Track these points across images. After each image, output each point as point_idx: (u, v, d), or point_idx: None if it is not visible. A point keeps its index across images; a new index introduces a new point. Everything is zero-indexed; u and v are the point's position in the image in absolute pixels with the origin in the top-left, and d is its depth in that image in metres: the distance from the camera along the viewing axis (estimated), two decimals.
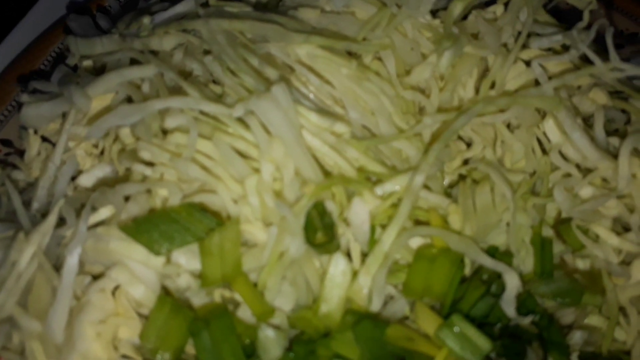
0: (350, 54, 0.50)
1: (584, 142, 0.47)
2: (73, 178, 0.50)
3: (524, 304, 0.46)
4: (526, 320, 0.46)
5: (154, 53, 0.51)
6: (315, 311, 0.44)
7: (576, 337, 0.48)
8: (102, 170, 0.50)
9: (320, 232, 0.42)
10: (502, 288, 0.44)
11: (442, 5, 0.53)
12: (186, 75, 0.50)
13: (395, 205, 0.45)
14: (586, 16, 0.50)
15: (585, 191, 0.47)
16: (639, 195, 0.46)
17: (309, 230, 0.42)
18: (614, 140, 0.50)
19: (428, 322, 0.42)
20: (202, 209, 0.43)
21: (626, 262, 0.48)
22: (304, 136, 0.44)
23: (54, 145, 0.53)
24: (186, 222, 0.43)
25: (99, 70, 0.53)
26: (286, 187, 0.43)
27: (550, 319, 0.46)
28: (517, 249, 0.47)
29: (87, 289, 0.43)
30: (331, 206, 0.44)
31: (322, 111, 0.45)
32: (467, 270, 0.46)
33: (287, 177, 0.43)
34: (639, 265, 0.48)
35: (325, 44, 0.47)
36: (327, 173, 0.45)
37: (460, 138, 0.51)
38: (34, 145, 0.52)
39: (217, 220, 0.43)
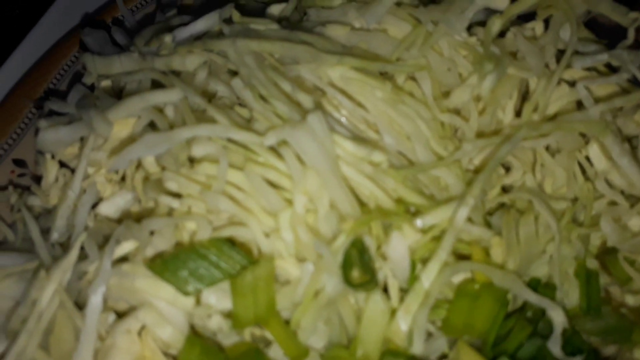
0: (382, 74, 0.47)
1: (632, 169, 0.44)
2: (93, 205, 0.48)
3: (570, 341, 0.43)
4: None
5: (176, 73, 0.49)
6: (353, 352, 0.42)
7: None
8: (123, 198, 0.47)
9: (358, 269, 0.40)
10: (550, 328, 0.42)
11: (476, 19, 0.51)
12: (210, 96, 0.48)
13: (436, 239, 0.43)
14: (631, 34, 0.48)
15: (635, 222, 0.44)
16: None
17: (346, 268, 0.40)
18: None
19: None
20: (232, 244, 0.41)
21: None
22: (340, 166, 0.41)
23: (72, 170, 0.50)
24: (216, 258, 0.40)
25: (118, 91, 0.51)
26: (321, 221, 0.40)
27: (596, 356, 0.44)
28: (561, 282, 0.44)
29: (112, 329, 0.41)
30: (369, 241, 0.41)
31: (358, 139, 0.43)
32: (510, 306, 0.44)
33: (322, 210, 0.40)
34: None
35: (360, 65, 0.45)
36: (362, 204, 0.42)
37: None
38: (51, 172, 0.50)
39: (248, 256, 0.41)
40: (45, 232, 0.48)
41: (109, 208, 0.47)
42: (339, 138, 0.41)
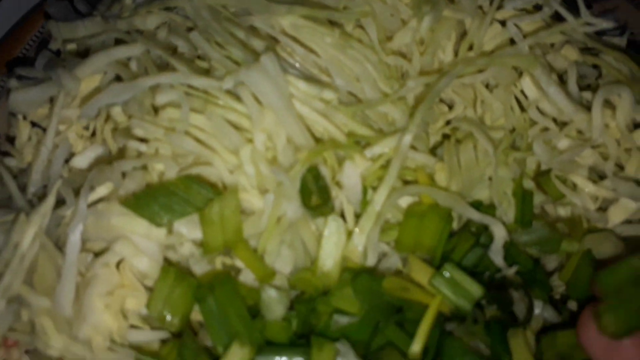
0: (332, 23, 0.51)
1: (559, 96, 0.49)
2: (66, 161, 0.51)
3: (509, 253, 0.48)
4: (511, 271, 0.49)
5: (139, 32, 0.52)
6: (314, 271, 0.46)
7: (556, 280, 0.51)
8: (95, 152, 0.50)
9: (315, 195, 0.44)
10: (490, 239, 0.47)
11: None
12: (172, 52, 0.51)
13: (384, 167, 0.47)
14: None
15: (563, 143, 0.49)
16: (611, 144, 0.48)
17: (304, 194, 0.44)
18: (587, 95, 0.52)
19: (421, 273, 0.45)
20: (200, 180, 0.45)
21: (603, 209, 0.51)
22: (294, 104, 0.45)
23: (44, 130, 0.53)
24: (185, 194, 0.44)
25: (83, 54, 0.54)
26: (280, 154, 0.44)
27: (535, 263, 0.49)
28: (500, 202, 0.49)
29: (91, 265, 0.44)
30: (324, 171, 0.45)
31: (310, 79, 0.47)
32: (455, 225, 0.49)
33: (280, 145, 0.44)
34: (614, 210, 0.51)
35: (309, 13, 0.48)
36: (317, 140, 0.46)
37: (442, 101, 0.53)
38: (24, 131, 0.53)
39: (215, 190, 0.44)
40: (22, 189, 0.51)
41: (82, 161, 0.50)
42: (291, 78, 0.45)
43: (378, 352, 0.43)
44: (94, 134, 0.52)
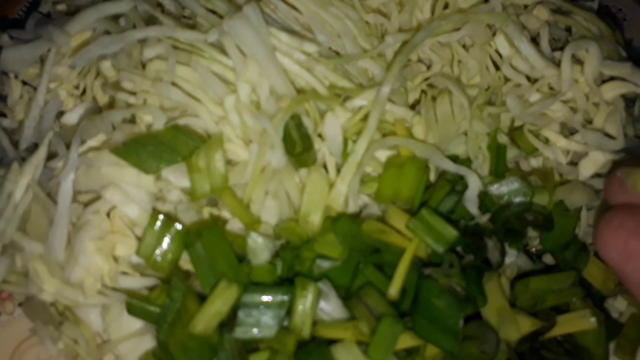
0: None
1: (530, 52, 0.51)
2: (58, 119, 0.53)
3: (483, 203, 0.51)
4: (485, 218, 0.51)
5: None
6: (298, 220, 0.48)
7: (532, 233, 0.54)
8: (85, 108, 0.52)
9: (298, 143, 0.46)
10: (465, 187, 0.49)
11: None
12: (159, 10, 0.52)
13: (364, 120, 0.49)
14: None
15: (534, 97, 0.52)
16: (580, 97, 0.51)
17: (287, 142, 0.46)
18: (559, 54, 0.54)
19: (399, 219, 0.47)
20: (186, 130, 0.46)
21: (574, 163, 0.54)
22: (276, 56, 0.47)
23: (35, 89, 0.55)
24: (172, 143, 0.46)
25: (73, 13, 0.55)
26: (263, 104, 0.46)
27: (508, 213, 0.51)
28: (475, 155, 0.52)
29: (82, 212, 0.46)
30: (307, 122, 0.47)
31: (292, 31, 0.48)
32: (432, 177, 0.51)
33: (264, 96, 0.46)
34: (585, 163, 0.53)
35: None
36: (299, 92, 0.48)
37: (420, 60, 0.55)
38: (15, 90, 0.54)
39: (201, 140, 0.46)
40: (15, 146, 0.53)
41: (73, 118, 0.52)
42: (274, 30, 0.47)
43: (358, 290, 0.45)
44: (84, 92, 0.53)
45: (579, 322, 0.48)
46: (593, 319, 0.48)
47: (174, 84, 0.46)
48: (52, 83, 0.53)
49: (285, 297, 0.44)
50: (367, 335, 0.43)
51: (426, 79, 0.54)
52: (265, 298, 0.43)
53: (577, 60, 0.52)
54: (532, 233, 0.54)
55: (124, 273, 0.47)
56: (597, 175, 0.53)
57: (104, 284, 0.46)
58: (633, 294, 0.42)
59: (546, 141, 0.53)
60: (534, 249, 0.55)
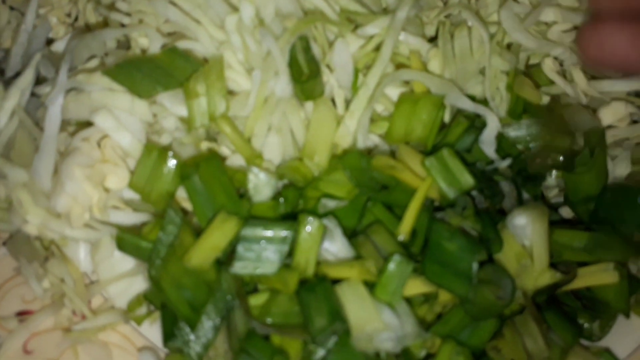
0: None
1: None
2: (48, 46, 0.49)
3: (500, 146, 0.47)
4: (504, 164, 0.48)
5: None
6: (302, 158, 0.45)
7: (550, 180, 0.51)
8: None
9: (305, 70, 0.43)
10: (484, 124, 0.46)
11: None
12: None
13: (376, 50, 0.45)
14: None
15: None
16: None
17: (293, 67, 0.43)
18: None
19: (412, 157, 0.44)
20: (185, 53, 0.43)
21: (592, 108, 0.51)
22: None
23: (23, 14, 0.51)
24: (169, 67, 0.42)
25: None
26: (268, 26, 0.43)
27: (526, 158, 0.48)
28: (492, 96, 0.48)
29: (72, 139, 0.43)
30: (315, 49, 0.44)
31: None
32: (447, 117, 0.48)
33: (268, 17, 0.42)
34: (605, 111, 0.50)
35: None
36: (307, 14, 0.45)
37: None
38: (3, 15, 0.51)
39: (199, 64, 0.43)
40: (2, 73, 0.50)
41: (63, 46, 0.49)
42: None
43: (366, 228, 0.42)
44: (76, 19, 0.50)
45: (600, 276, 0.45)
46: (615, 273, 0.45)
47: (171, 2, 0.43)
48: (42, 8, 0.49)
49: (289, 233, 0.40)
50: (375, 275, 0.40)
51: (444, 11, 0.50)
52: (267, 232, 0.40)
53: None
54: (550, 182, 0.51)
55: (115, 207, 0.44)
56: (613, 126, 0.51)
57: (93, 217, 0.43)
58: None
59: (572, 79, 0.50)
60: (552, 200, 0.52)
